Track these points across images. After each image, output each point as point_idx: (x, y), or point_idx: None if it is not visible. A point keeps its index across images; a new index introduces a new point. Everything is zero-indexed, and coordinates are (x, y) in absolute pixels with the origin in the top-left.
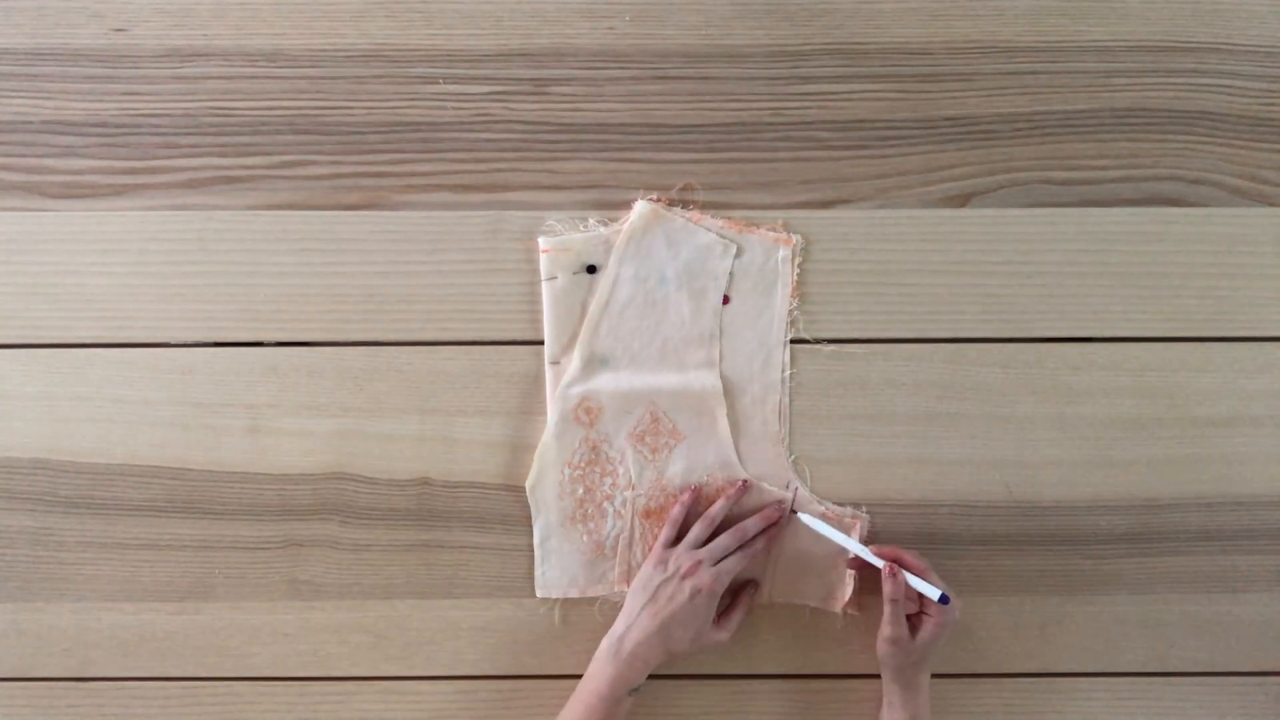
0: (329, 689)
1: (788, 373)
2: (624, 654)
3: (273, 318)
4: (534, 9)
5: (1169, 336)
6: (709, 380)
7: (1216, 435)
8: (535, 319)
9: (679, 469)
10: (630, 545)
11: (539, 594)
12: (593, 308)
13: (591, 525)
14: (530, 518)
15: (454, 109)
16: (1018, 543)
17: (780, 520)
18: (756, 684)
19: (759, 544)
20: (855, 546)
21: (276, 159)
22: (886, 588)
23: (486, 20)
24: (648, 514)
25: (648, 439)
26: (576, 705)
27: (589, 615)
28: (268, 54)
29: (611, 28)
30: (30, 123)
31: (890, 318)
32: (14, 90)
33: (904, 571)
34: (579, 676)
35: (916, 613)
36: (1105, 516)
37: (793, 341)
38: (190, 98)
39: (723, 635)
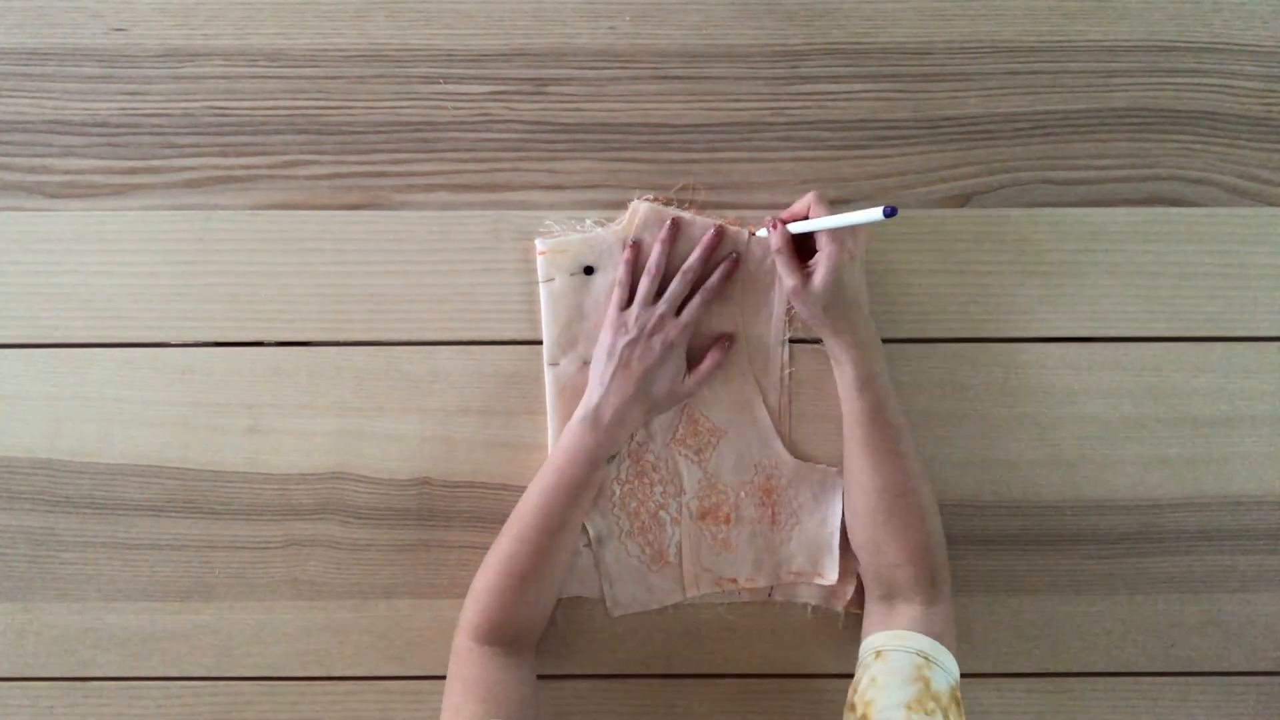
0: (329, 689)
1: (787, 371)
2: (604, 421)
3: (273, 318)
4: (534, 9)
5: (1169, 336)
6: (742, 370)
7: (1216, 435)
8: (535, 319)
9: (727, 464)
10: (695, 551)
11: (614, 614)
12: (597, 310)
13: (651, 537)
14: None
15: (454, 109)
16: (1018, 543)
17: (719, 245)
18: (757, 683)
19: (714, 280)
20: (838, 221)
21: (276, 159)
22: (773, 241)
23: (486, 20)
24: (703, 515)
25: (689, 441)
26: (551, 473)
27: (589, 615)
28: (268, 54)
29: (611, 28)
30: (30, 123)
31: (890, 318)
32: (14, 90)
33: (786, 224)
34: (579, 676)
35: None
36: (1105, 516)
37: (792, 340)
38: (190, 98)
39: (694, 386)
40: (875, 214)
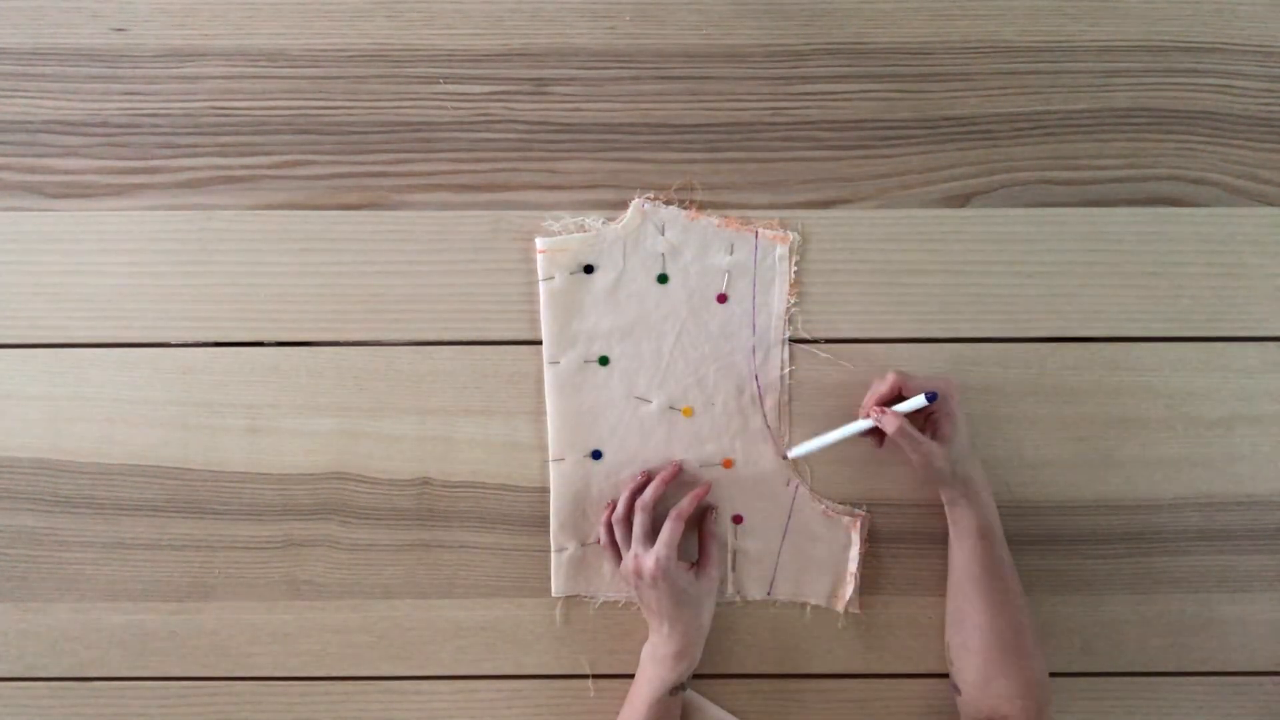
0: (329, 689)
1: (787, 370)
2: (656, 656)
3: (273, 318)
4: (534, 9)
5: (1169, 336)
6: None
7: (1216, 435)
8: (535, 319)
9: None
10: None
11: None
12: (596, 309)
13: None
14: (523, 517)
15: (454, 109)
16: (1018, 543)
17: (709, 490)
18: (757, 683)
19: (683, 504)
20: (848, 431)
21: (276, 159)
22: (888, 429)
23: (486, 20)
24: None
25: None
26: (626, 709)
27: (589, 615)
28: (268, 54)
29: (611, 28)
30: (30, 123)
31: (890, 318)
32: (14, 90)
33: (888, 409)
34: (579, 676)
35: (926, 420)
36: (1105, 516)
37: (792, 340)
38: (190, 98)
39: (709, 583)
40: (919, 401)
